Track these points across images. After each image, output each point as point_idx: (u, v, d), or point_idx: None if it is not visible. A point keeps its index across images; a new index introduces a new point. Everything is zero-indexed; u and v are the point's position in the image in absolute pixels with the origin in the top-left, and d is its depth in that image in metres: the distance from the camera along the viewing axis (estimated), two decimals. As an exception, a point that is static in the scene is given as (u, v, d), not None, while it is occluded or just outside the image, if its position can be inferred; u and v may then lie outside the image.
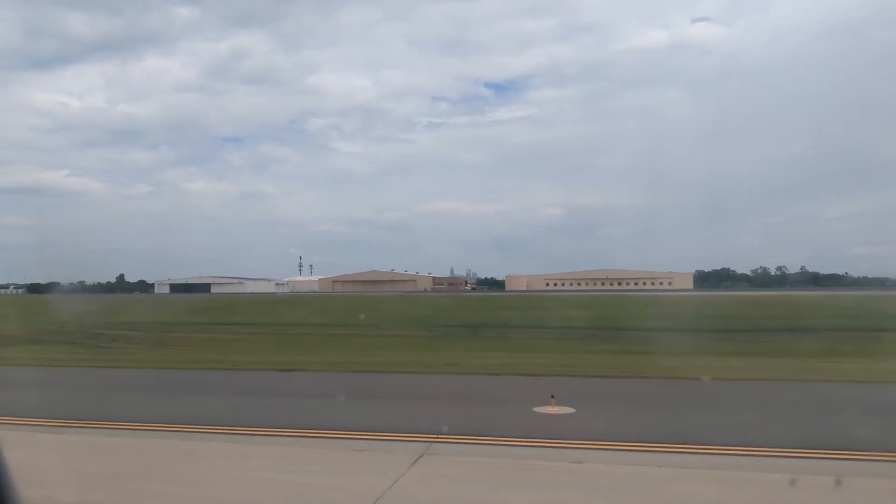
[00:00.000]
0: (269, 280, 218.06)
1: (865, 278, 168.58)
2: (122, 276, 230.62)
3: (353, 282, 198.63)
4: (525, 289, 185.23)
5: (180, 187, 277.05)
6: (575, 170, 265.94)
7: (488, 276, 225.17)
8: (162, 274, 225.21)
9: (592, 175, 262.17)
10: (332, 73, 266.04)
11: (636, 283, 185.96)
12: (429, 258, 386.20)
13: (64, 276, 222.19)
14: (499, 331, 33.61)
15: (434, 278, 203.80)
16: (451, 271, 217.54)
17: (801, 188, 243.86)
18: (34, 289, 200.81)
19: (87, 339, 29.35)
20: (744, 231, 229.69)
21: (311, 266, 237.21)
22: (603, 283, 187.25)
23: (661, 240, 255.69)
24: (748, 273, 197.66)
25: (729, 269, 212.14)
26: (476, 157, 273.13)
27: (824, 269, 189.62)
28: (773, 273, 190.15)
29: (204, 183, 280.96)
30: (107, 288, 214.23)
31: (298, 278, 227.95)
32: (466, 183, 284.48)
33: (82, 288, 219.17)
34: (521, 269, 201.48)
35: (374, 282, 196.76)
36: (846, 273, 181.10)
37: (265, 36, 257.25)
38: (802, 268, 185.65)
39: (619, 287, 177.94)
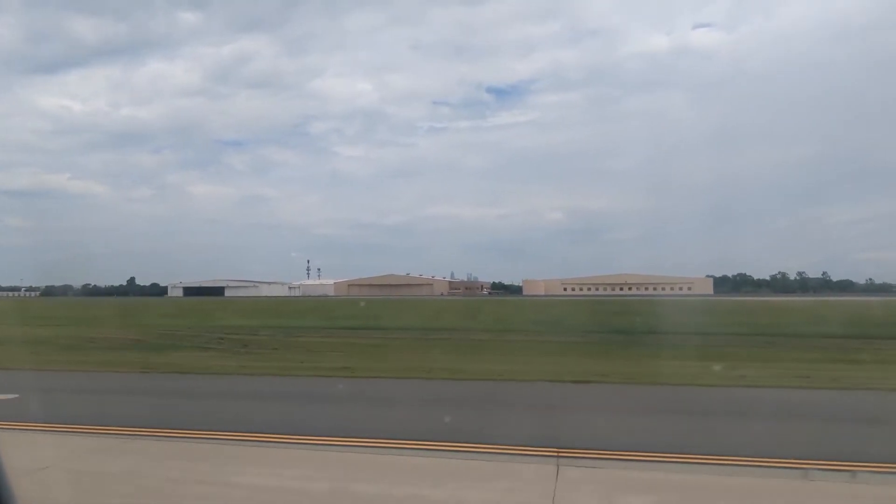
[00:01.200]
0: (282, 283, 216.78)
1: (873, 283, 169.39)
2: (132, 278, 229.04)
3: (369, 285, 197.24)
4: (543, 293, 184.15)
5: (183, 191, 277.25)
6: (579, 174, 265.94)
7: (495, 281, 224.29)
8: (167, 277, 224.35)
9: (597, 179, 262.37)
10: (336, 78, 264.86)
11: (654, 288, 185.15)
12: (430, 262, 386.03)
13: (69, 279, 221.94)
14: (667, 337, 29.98)
15: (450, 282, 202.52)
16: (453, 275, 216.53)
17: (808, 192, 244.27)
18: (49, 292, 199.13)
19: (215, 344, 27.95)
20: (750, 235, 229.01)
21: (318, 269, 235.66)
22: (622, 288, 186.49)
23: (666, 244, 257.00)
24: (766, 278, 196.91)
25: (745, 273, 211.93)
26: (478, 161, 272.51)
27: (834, 275, 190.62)
28: (792, 278, 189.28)
29: (206, 186, 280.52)
30: (119, 291, 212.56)
31: (308, 282, 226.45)
32: (469, 187, 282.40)
33: (96, 291, 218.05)
34: (524, 273, 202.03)
35: (389, 285, 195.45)
36: (850, 279, 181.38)
37: (269, 40, 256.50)
38: (824, 273, 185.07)
39: (640, 292, 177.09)
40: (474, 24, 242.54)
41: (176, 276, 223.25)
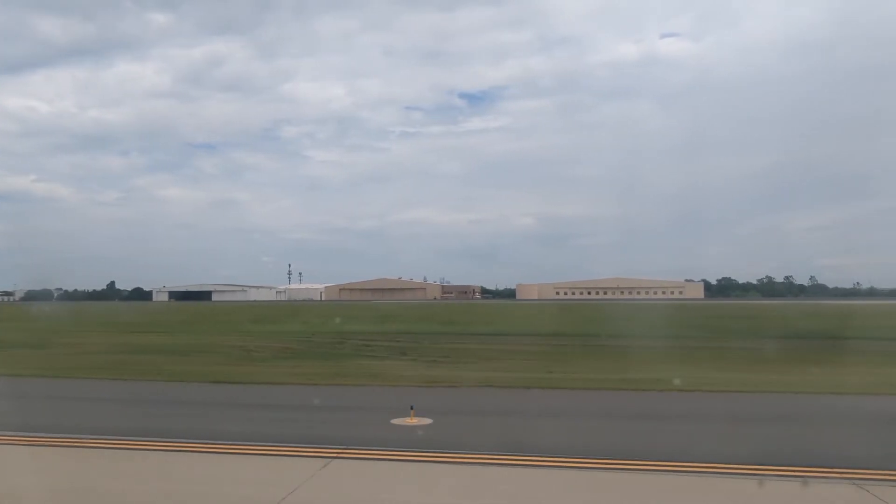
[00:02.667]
0: (270, 287, 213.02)
1: (839, 288, 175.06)
2: (112, 283, 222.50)
3: (361, 290, 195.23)
4: (536, 297, 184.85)
5: (152, 194, 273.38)
6: (550, 180, 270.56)
7: (463, 283, 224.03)
8: (134, 281, 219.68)
9: (567, 185, 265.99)
10: (308, 82, 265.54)
11: (647, 293, 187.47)
12: (402, 266, 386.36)
13: (35, 284, 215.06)
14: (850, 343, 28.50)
15: (443, 286, 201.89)
16: (444, 279, 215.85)
17: (770, 200, 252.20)
18: (31, 297, 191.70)
19: (371, 351, 26.81)
20: (715, 241, 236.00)
21: (300, 274, 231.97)
22: (613, 292, 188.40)
23: (635, 250, 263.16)
24: (753, 282, 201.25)
25: (729, 277, 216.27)
26: (450, 166, 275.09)
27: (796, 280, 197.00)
28: (777, 282, 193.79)
29: (176, 190, 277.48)
30: (101, 295, 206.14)
31: (294, 286, 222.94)
32: (441, 192, 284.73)
33: (74, 296, 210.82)
34: (495, 277, 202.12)
35: (382, 290, 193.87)
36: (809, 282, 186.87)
37: (242, 43, 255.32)
38: (812, 278, 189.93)
39: (633, 296, 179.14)
40: (447, 30, 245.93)
41: (145, 281, 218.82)
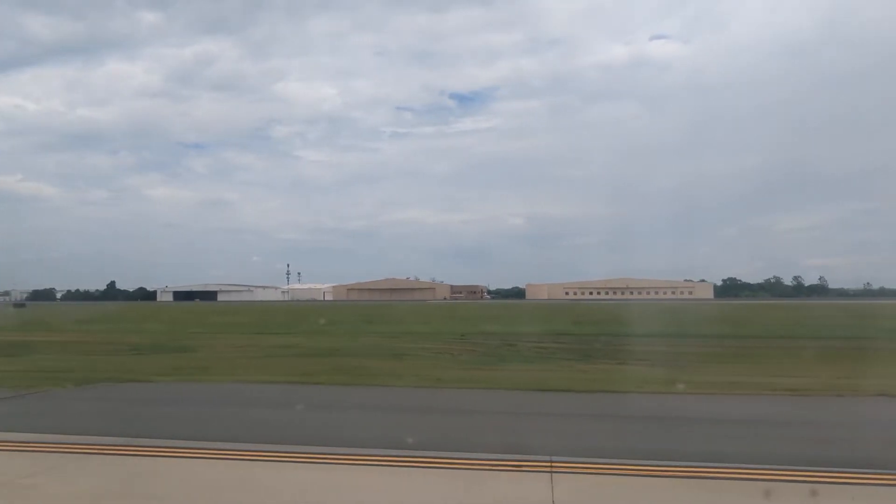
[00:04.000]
0: (275, 288, 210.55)
1: (846, 290, 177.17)
2: (113, 283, 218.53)
3: (370, 290, 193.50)
4: (546, 297, 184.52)
5: (141, 193, 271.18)
6: (540, 180, 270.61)
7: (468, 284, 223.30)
8: (129, 282, 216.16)
9: (557, 186, 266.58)
10: (299, 82, 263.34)
11: (657, 293, 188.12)
12: (392, 265, 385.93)
13: (29, 284, 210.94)
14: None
15: (451, 287, 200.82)
16: (430, 278, 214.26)
17: (757, 200, 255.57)
18: (36, 296, 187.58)
19: (545, 354, 25.67)
20: (704, 241, 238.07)
21: (299, 274, 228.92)
22: (623, 293, 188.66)
23: (626, 249, 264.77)
24: (761, 282, 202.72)
25: (734, 278, 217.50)
26: (441, 166, 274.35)
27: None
28: (786, 283, 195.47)
29: (166, 189, 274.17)
30: (106, 295, 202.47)
31: (297, 286, 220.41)
32: (432, 192, 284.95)
33: (80, 295, 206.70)
34: (484, 278, 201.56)
35: (391, 290, 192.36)
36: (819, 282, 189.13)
37: (233, 43, 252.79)
38: (821, 278, 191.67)
39: (644, 297, 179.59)
40: (438, 31, 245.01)
41: (141, 281, 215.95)
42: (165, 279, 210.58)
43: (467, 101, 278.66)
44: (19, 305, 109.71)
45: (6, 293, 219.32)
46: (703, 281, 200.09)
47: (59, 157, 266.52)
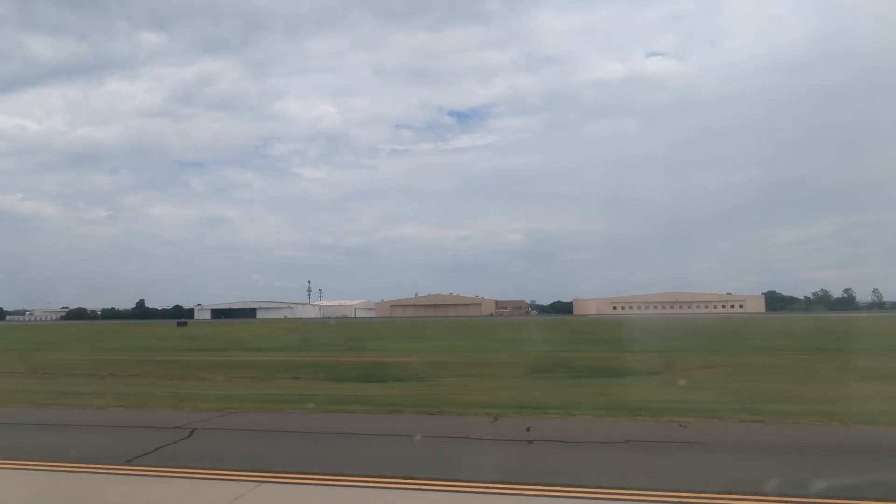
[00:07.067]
0: (313, 305, 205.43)
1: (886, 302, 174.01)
2: (142, 301, 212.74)
3: (414, 306, 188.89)
4: (595, 312, 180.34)
5: (141, 212, 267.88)
6: (537, 196, 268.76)
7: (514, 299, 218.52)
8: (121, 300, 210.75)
9: (554, 202, 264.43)
10: (298, 100, 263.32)
11: (706, 307, 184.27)
12: (391, 282, 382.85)
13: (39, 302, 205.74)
14: None
15: (497, 302, 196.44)
16: (475, 294, 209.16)
17: (754, 214, 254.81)
18: (73, 315, 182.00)
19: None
20: (702, 256, 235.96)
21: (320, 291, 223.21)
22: (672, 307, 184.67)
23: (621, 265, 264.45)
24: (809, 296, 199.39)
25: (774, 291, 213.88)
26: (439, 183, 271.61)
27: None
28: (835, 297, 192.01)
29: (165, 208, 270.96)
30: (139, 314, 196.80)
31: (326, 303, 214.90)
32: (430, 209, 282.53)
33: (114, 314, 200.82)
34: (481, 292, 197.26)
35: (435, 306, 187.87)
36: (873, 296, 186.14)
37: (233, 63, 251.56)
38: (875, 290, 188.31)
39: (696, 311, 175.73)
40: (436, 49, 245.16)
41: (156, 300, 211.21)
42: (164, 298, 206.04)
43: (465, 118, 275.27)
44: (181, 324, 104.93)
45: (24, 312, 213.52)
46: (750, 295, 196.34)
47: (60, 176, 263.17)
